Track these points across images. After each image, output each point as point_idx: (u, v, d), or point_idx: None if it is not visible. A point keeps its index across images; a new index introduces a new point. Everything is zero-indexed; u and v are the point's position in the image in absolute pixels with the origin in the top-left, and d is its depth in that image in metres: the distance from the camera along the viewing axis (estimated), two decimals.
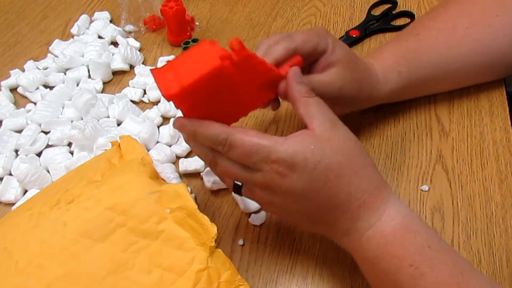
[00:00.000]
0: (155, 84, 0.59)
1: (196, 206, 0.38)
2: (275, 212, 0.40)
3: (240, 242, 0.45)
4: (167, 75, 0.36)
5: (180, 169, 0.50)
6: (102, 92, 0.60)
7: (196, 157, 0.51)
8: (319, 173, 0.35)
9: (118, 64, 0.62)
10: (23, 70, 0.63)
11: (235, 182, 0.39)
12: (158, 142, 0.53)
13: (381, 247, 0.35)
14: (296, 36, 0.41)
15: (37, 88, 0.60)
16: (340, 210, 0.36)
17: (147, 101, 0.59)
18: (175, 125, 0.38)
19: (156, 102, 0.58)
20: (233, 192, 0.47)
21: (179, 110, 0.56)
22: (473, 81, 0.54)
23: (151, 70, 0.37)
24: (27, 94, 0.60)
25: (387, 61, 0.49)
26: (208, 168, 0.49)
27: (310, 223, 0.39)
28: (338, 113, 0.41)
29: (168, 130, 0.53)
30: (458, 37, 0.49)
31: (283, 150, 0.35)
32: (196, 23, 0.69)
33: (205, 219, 0.37)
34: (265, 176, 0.36)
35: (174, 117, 0.55)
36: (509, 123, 0.52)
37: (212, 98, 0.36)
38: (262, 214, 0.46)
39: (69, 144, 0.54)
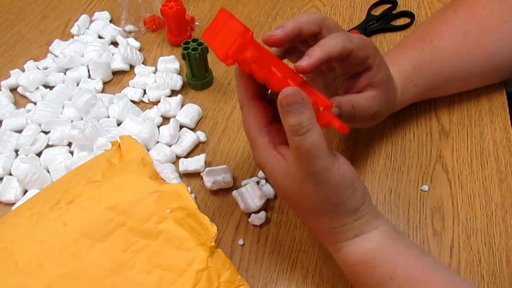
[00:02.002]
0: (155, 83, 0.59)
1: (196, 206, 0.38)
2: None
3: (240, 242, 0.45)
4: (218, 38, 0.36)
5: (180, 169, 0.50)
6: (102, 92, 0.60)
7: (196, 157, 0.51)
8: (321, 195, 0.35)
9: (118, 64, 0.62)
10: (23, 70, 0.63)
11: None
12: (158, 142, 0.53)
13: (348, 273, 0.38)
14: (354, 38, 0.38)
15: (37, 88, 0.60)
16: (324, 222, 0.38)
17: (147, 101, 0.59)
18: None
19: (156, 102, 0.58)
20: (233, 193, 0.47)
21: (179, 110, 0.56)
22: (476, 86, 0.55)
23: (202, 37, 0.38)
24: (27, 94, 0.60)
25: (406, 72, 0.48)
26: (208, 168, 0.49)
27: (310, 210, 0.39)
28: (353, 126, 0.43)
29: (168, 130, 0.53)
30: (469, 45, 0.50)
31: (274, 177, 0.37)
32: (196, 23, 0.69)
33: (205, 219, 0.37)
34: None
35: (174, 117, 0.55)
36: (509, 123, 0.52)
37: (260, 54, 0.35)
38: (262, 214, 0.46)
39: (69, 144, 0.54)
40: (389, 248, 0.36)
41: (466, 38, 0.50)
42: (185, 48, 0.56)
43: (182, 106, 0.57)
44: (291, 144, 0.34)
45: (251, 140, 0.38)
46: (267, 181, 0.49)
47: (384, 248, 0.36)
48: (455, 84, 0.52)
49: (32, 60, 0.64)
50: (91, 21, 0.70)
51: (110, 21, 0.70)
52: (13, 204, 0.49)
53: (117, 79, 0.62)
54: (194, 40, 0.56)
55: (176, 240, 0.37)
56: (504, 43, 0.50)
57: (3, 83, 0.61)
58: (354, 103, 0.40)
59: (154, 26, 0.68)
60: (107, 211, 0.37)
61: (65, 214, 0.37)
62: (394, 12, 0.67)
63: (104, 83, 0.61)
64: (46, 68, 0.63)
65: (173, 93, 0.59)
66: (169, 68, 0.61)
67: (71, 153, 0.53)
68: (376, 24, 0.66)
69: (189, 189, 0.49)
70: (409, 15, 0.66)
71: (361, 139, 0.52)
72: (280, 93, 0.33)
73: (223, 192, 0.49)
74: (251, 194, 0.46)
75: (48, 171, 0.51)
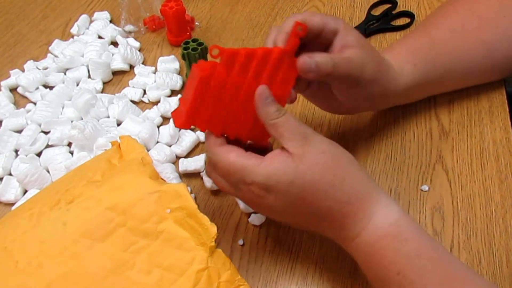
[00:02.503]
0: (155, 84, 0.59)
1: (196, 206, 0.38)
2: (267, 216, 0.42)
3: (240, 242, 0.45)
4: (178, 109, 0.38)
5: (180, 169, 0.50)
6: (102, 92, 0.60)
7: (196, 157, 0.51)
8: (294, 193, 0.35)
9: (118, 64, 0.62)
10: (23, 70, 0.63)
11: None
12: (158, 142, 0.53)
13: (368, 255, 0.35)
14: (305, 12, 0.41)
15: (37, 88, 0.60)
16: (326, 222, 0.37)
17: (147, 101, 0.59)
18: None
19: (156, 102, 0.58)
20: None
21: None
22: (476, 82, 0.54)
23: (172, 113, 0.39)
24: (27, 94, 0.60)
25: (401, 54, 0.48)
26: None
27: (302, 227, 0.41)
28: (357, 110, 0.44)
29: (168, 130, 0.53)
30: (468, 38, 0.50)
31: (257, 173, 0.35)
32: (196, 23, 0.69)
33: (205, 219, 0.37)
34: (245, 196, 0.37)
35: None
36: (509, 123, 0.52)
37: (219, 108, 0.37)
38: None
39: (69, 144, 0.54)
40: (411, 222, 0.36)
41: (464, 31, 0.50)
42: (185, 48, 0.56)
43: None
44: (275, 129, 0.36)
45: (241, 173, 0.36)
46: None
47: (408, 221, 0.36)
48: (455, 77, 0.51)
49: (32, 60, 0.64)
50: (91, 21, 0.70)
51: (110, 21, 0.70)
52: (13, 204, 0.49)
53: (117, 79, 0.62)
54: (194, 40, 0.56)
55: (176, 240, 0.37)
56: (504, 37, 0.49)
57: (3, 83, 0.61)
58: (333, 56, 0.40)
59: (154, 26, 0.68)
60: (107, 211, 0.37)
61: (65, 214, 0.37)
62: (394, 12, 0.67)
63: (104, 83, 0.61)
64: (46, 68, 0.63)
65: (173, 93, 0.59)
66: (169, 68, 0.61)
67: (71, 153, 0.53)
68: (376, 24, 0.66)
69: (189, 189, 0.49)
70: (409, 15, 0.66)
71: (361, 139, 0.52)
72: (256, 93, 0.37)
73: (223, 192, 0.49)
74: None
75: (48, 171, 0.51)
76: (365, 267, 0.36)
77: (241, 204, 0.46)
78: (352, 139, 0.52)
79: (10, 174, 0.51)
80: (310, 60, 0.38)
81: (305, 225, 0.39)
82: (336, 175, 0.35)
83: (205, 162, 0.44)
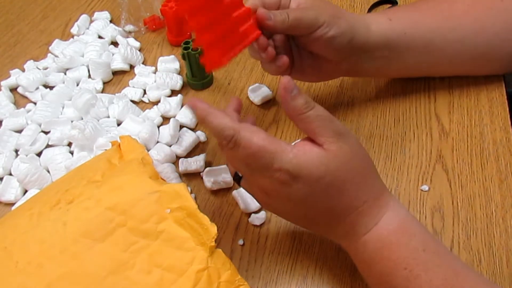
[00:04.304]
0: (155, 84, 0.59)
1: (196, 206, 0.38)
2: (271, 211, 0.41)
3: (240, 242, 0.45)
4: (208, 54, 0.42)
5: (180, 169, 0.50)
6: (102, 92, 0.60)
7: (196, 157, 0.51)
8: (321, 188, 0.35)
9: (118, 64, 0.62)
10: (23, 70, 0.63)
11: (237, 172, 0.39)
12: (158, 142, 0.53)
13: (377, 250, 0.36)
14: None
15: (37, 88, 0.60)
16: (339, 219, 0.37)
17: (147, 101, 0.59)
18: (188, 103, 0.38)
19: (156, 102, 0.58)
20: (233, 193, 0.47)
21: (179, 110, 0.56)
22: (470, 66, 0.53)
23: None
24: (27, 94, 0.60)
25: (377, 12, 0.50)
26: (208, 168, 0.49)
27: (308, 225, 0.40)
28: (351, 68, 0.47)
29: (168, 130, 0.53)
30: (458, 12, 0.50)
31: (288, 160, 0.34)
32: None
33: (205, 219, 0.37)
34: (265, 181, 0.36)
35: (174, 117, 0.55)
36: (509, 123, 0.52)
37: (208, 9, 0.39)
38: (262, 214, 0.46)
39: (69, 144, 0.54)
40: (415, 219, 0.37)
41: (455, 5, 0.50)
42: (185, 48, 0.56)
43: (182, 106, 0.57)
44: (305, 124, 0.35)
45: (270, 157, 0.34)
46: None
47: (413, 219, 0.37)
48: (445, 49, 0.50)
49: (32, 60, 0.64)
50: (91, 21, 0.70)
51: (110, 21, 0.70)
52: (13, 204, 0.49)
53: (117, 79, 0.62)
54: (194, 40, 0.56)
55: (176, 240, 0.37)
56: (497, 20, 0.49)
57: (3, 83, 0.61)
58: (288, 11, 0.43)
59: (154, 26, 0.68)
60: (107, 211, 0.37)
61: (65, 214, 0.37)
62: None
63: (104, 83, 0.61)
64: (46, 68, 0.63)
65: (173, 93, 0.59)
66: (169, 68, 0.61)
67: (71, 153, 0.53)
68: None
69: (189, 189, 0.49)
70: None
71: (361, 138, 0.52)
72: (281, 85, 0.35)
73: (223, 192, 0.49)
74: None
75: (48, 171, 0.51)
76: (371, 263, 0.36)
77: (241, 204, 0.46)
78: None
79: (10, 174, 0.51)
80: (267, 11, 0.42)
81: (312, 220, 0.38)
82: (362, 176, 0.36)
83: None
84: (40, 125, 0.55)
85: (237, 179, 0.39)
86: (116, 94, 0.59)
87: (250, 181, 0.38)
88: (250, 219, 0.46)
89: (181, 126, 0.54)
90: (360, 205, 0.36)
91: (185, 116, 0.55)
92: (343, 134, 0.35)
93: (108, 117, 0.56)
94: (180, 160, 0.51)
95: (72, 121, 0.55)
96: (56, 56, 0.64)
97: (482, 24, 0.49)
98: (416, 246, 0.35)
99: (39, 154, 0.53)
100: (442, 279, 0.33)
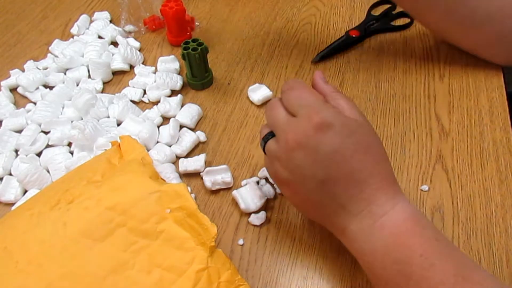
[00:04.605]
0: (155, 84, 0.59)
1: (196, 206, 0.38)
2: (286, 187, 0.40)
3: (240, 242, 0.45)
4: None
5: (180, 169, 0.50)
6: (102, 92, 0.60)
7: (196, 157, 0.51)
8: (351, 141, 0.37)
9: (118, 64, 0.62)
10: (23, 70, 0.63)
11: (266, 135, 0.41)
12: (158, 142, 0.53)
13: (393, 236, 0.35)
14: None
15: (37, 88, 0.60)
16: (359, 187, 0.36)
17: (147, 101, 0.59)
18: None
19: (156, 102, 0.58)
20: (233, 193, 0.47)
21: (179, 110, 0.56)
22: (474, 37, 0.55)
23: None
24: (27, 94, 0.60)
25: None
26: (208, 168, 0.49)
27: (326, 192, 0.37)
28: None
29: (168, 130, 0.53)
30: None
31: (326, 108, 0.38)
32: (196, 23, 0.69)
33: (205, 219, 0.37)
34: (302, 124, 0.37)
35: (174, 117, 0.55)
36: (509, 123, 0.52)
37: None
38: (262, 214, 0.46)
39: (69, 144, 0.54)
40: (423, 214, 0.38)
41: None
42: (185, 48, 0.56)
43: (182, 106, 0.57)
44: (336, 100, 0.40)
45: (316, 102, 0.39)
46: (266, 181, 0.49)
47: (422, 213, 0.38)
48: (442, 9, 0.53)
49: (32, 60, 0.64)
50: (91, 21, 0.70)
51: (110, 21, 0.70)
52: (13, 204, 0.49)
53: (117, 79, 0.62)
54: (194, 40, 0.56)
55: (176, 240, 0.37)
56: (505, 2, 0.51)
57: (3, 83, 0.61)
58: None
59: (154, 26, 0.68)
60: (107, 211, 0.37)
61: (65, 214, 0.37)
62: (394, 12, 0.67)
63: (104, 83, 0.61)
64: (46, 68, 0.63)
65: (173, 93, 0.59)
66: (169, 68, 0.61)
67: (71, 153, 0.53)
68: (376, 24, 0.66)
69: (189, 189, 0.49)
70: (409, 15, 0.66)
71: None
72: (315, 75, 0.43)
73: (223, 192, 0.49)
74: (251, 194, 0.46)
75: (48, 171, 0.51)
76: (385, 252, 0.35)
77: (241, 204, 0.46)
78: None
79: (10, 174, 0.51)
80: None
81: (330, 189, 0.37)
82: (381, 155, 0.38)
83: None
84: (40, 125, 0.55)
85: (266, 139, 0.41)
86: (116, 94, 0.59)
87: (286, 130, 0.38)
88: (250, 219, 0.46)
89: (181, 126, 0.54)
90: (379, 180, 0.37)
91: (185, 116, 0.55)
92: (365, 117, 0.40)
93: (108, 117, 0.56)
94: (180, 160, 0.51)
95: (72, 121, 0.55)
96: (56, 56, 0.64)
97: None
98: (429, 235, 0.35)
99: (39, 154, 0.53)
100: (454, 269, 0.33)
